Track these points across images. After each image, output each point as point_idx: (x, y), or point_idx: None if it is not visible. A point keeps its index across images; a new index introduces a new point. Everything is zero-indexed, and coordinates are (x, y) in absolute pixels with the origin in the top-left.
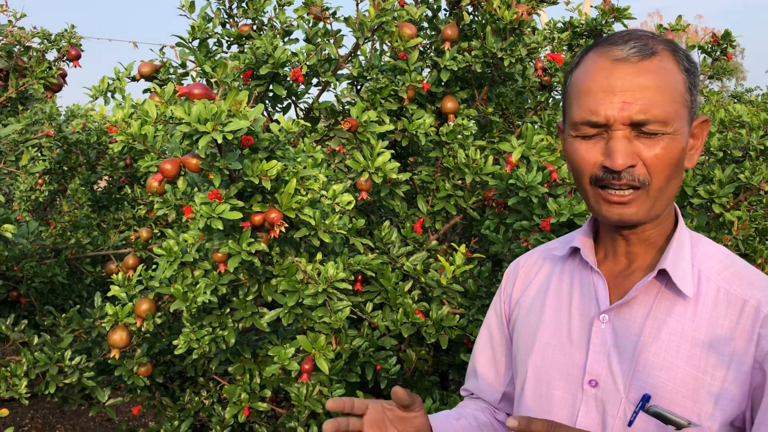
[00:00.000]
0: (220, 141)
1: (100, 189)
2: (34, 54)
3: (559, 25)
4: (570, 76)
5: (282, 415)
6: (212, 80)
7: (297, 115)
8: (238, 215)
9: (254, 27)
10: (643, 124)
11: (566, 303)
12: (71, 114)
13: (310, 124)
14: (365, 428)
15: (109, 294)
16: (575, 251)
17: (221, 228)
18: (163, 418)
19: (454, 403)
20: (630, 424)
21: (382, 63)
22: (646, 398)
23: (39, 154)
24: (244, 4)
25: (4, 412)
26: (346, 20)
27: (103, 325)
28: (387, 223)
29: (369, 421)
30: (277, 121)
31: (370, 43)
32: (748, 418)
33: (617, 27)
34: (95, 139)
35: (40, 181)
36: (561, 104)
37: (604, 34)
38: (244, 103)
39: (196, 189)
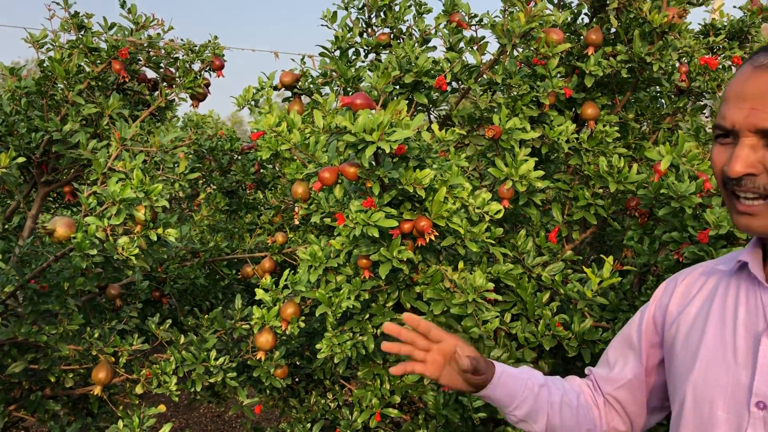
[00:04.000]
0: (388, 151)
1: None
2: (181, 65)
3: (697, 27)
4: None
5: (406, 422)
6: (355, 88)
7: (430, 122)
8: (393, 223)
9: (392, 36)
10: None
11: (731, 320)
12: (195, 124)
13: (465, 132)
14: (433, 351)
15: (256, 297)
16: (742, 266)
17: (376, 235)
18: (290, 419)
19: None
20: None
21: (519, 69)
22: None
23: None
24: (383, 13)
25: (162, 408)
26: (493, 27)
27: (243, 326)
28: (523, 231)
29: (439, 348)
30: (429, 129)
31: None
32: None
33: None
34: (228, 146)
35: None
36: None
37: (749, 37)
38: (403, 113)
39: (346, 197)
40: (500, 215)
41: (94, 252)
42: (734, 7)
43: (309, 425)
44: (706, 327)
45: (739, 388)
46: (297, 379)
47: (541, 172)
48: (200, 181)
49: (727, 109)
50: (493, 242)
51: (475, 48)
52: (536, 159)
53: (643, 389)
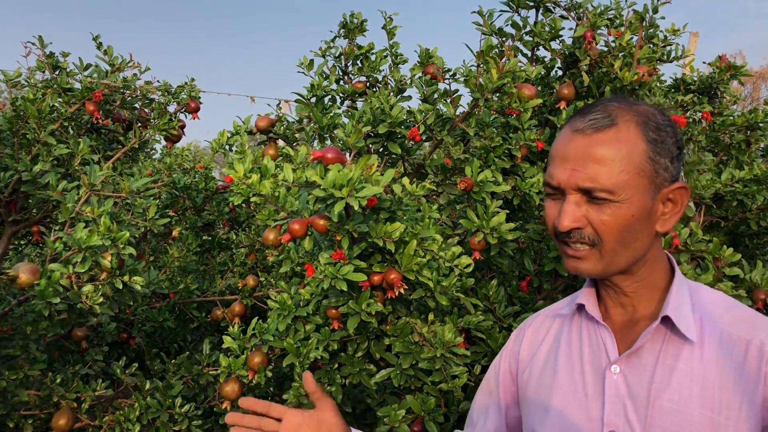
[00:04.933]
0: (356, 207)
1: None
2: (156, 106)
3: (668, 82)
4: None
5: None
6: (330, 134)
7: (405, 169)
8: (362, 277)
9: (368, 84)
10: (590, 191)
11: (578, 359)
12: (168, 166)
13: (435, 187)
14: (281, 429)
15: (224, 346)
16: (581, 308)
17: (345, 289)
18: None
19: None
20: None
21: (493, 119)
22: None
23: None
24: (359, 62)
25: None
26: (466, 81)
27: (211, 372)
28: (495, 281)
29: (286, 426)
30: (399, 182)
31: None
32: None
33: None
34: (203, 184)
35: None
36: None
37: (719, 92)
38: (374, 168)
39: (316, 248)
40: (470, 269)
41: (57, 300)
42: (704, 63)
43: None
44: (557, 369)
45: (592, 422)
46: None
47: (512, 225)
48: (173, 219)
49: (554, 169)
50: (464, 294)
51: (448, 101)
52: (507, 211)
53: None
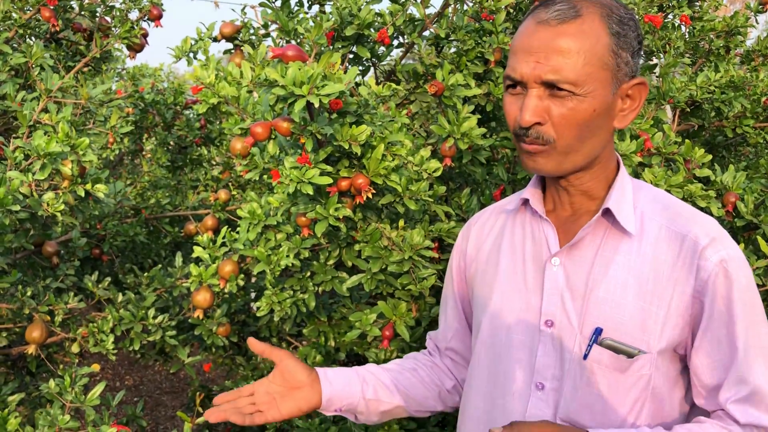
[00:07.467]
0: (317, 105)
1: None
2: (117, 14)
3: None
4: None
5: None
6: (297, 40)
7: (377, 77)
8: (328, 180)
9: None
10: (554, 83)
11: (520, 252)
12: (140, 73)
13: (401, 88)
14: (257, 404)
15: (194, 255)
16: (525, 203)
17: (311, 193)
18: (236, 377)
19: None
20: (585, 357)
21: (467, 24)
22: (598, 332)
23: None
24: None
25: (96, 367)
26: None
27: (184, 284)
28: (467, 190)
29: (259, 397)
30: (365, 84)
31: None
32: (689, 345)
33: None
34: (171, 99)
35: (110, 139)
36: None
37: None
38: (337, 66)
39: (282, 153)
40: (438, 173)
41: (17, 208)
42: None
43: (252, 382)
44: (499, 261)
45: (531, 312)
46: (244, 337)
47: (483, 130)
48: (144, 135)
49: (516, 62)
50: (434, 200)
51: (418, 1)
52: (479, 116)
53: (469, 334)
